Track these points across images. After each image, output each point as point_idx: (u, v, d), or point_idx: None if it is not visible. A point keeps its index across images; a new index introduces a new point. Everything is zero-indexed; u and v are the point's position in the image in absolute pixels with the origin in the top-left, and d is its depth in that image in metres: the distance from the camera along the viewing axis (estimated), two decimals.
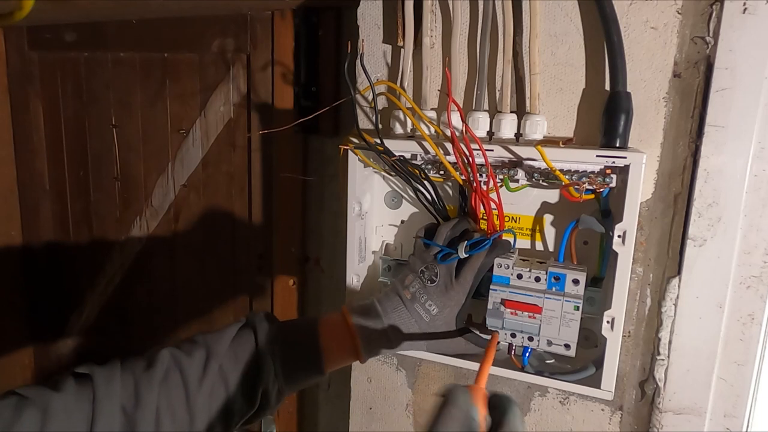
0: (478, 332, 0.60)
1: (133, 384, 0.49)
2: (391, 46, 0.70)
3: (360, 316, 0.58)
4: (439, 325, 0.58)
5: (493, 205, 0.60)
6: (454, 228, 0.60)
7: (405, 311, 0.58)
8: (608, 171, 0.55)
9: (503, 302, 0.58)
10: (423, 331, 0.58)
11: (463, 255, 0.57)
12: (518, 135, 0.62)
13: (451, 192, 0.66)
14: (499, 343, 0.60)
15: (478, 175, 0.59)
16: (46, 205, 1.36)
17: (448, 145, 0.59)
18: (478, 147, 0.58)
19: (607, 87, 0.58)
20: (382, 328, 0.58)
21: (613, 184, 0.55)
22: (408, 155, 0.63)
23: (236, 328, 0.57)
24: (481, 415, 0.39)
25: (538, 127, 0.60)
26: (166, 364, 0.52)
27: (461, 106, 0.66)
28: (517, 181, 0.59)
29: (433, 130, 0.64)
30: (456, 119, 0.62)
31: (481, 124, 0.63)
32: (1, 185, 1.36)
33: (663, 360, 0.62)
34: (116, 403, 0.47)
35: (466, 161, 0.59)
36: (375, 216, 0.72)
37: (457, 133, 0.61)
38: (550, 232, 0.64)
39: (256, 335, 0.56)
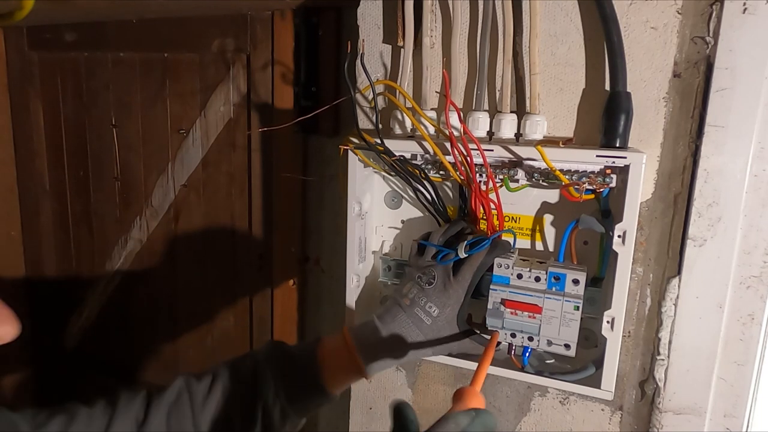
0: (479, 333, 0.60)
1: (146, 404, 0.56)
2: (391, 46, 0.70)
3: (359, 332, 0.58)
4: (442, 325, 0.57)
5: (492, 206, 0.60)
6: (447, 231, 0.60)
7: (404, 317, 0.57)
8: (608, 171, 0.55)
9: (503, 302, 0.58)
10: (425, 335, 0.57)
11: (462, 255, 0.57)
12: (518, 135, 0.62)
13: (451, 192, 0.66)
14: (500, 343, 0.60)
15: (477, 175, 0.59)
16: (46, 205, 1.36)
17: (448, 145, 0.59)
18: (476, 147, 0.58)
19: (607, 87, 0.58)
20: (382, 341, 0.57)
21: (613, 184, 0.55)
22: (408, 155, 0.63)
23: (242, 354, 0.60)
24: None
25: (538, 127, 0.60)
26: (177, 388, 0.58)
27: (461, 106, 0.66)
28: (517, 181, 0.59)
29: (433, 129, 0.64)
30: (455, 120, 0.62)
31: (481, 124, 0.63)
32: (1, 185, 1.36)
33: (663, 360, 0.62)
34: (131, 417, 0.55)
35: (465, 161, 0.59)
36: (375, 216, 0.72)
37: (456, 134, 0.61)
38: (550, 232, 0.64)
39: (256, 354, 0.59)
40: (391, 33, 0.68)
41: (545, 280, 0.57)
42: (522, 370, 0.61)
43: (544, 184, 0.59)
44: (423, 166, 0.63)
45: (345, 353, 0.57)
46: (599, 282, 0.60)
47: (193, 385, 0.58)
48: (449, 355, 0.60)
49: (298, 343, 0.61)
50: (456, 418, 0.40)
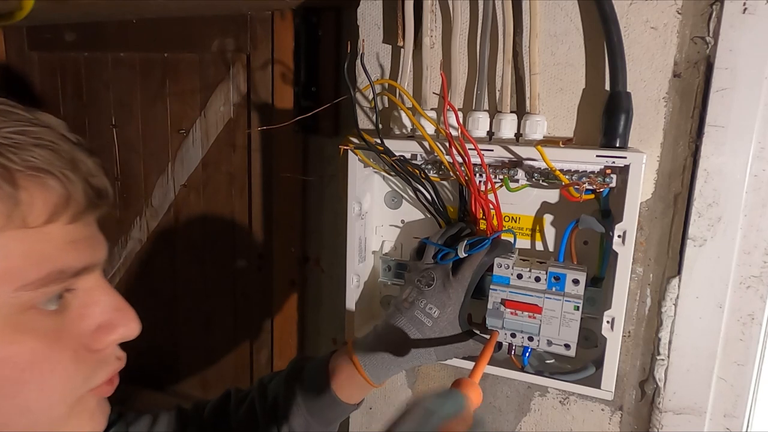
0: (479, 333, 0.60)
1: (202, 412, 0.63)
2: (391, 46, 0.70)
3: (362, 342, 0.59)
4: (443, 327, 0.57)
5: (491, 206, 0.60)
6: (445, 233, 0.60)
7: (404, 321, 0.57)
8: (608, 171, 0.55)
9: (503, 302, 0.58)
10: (426, 338, 0.57)
11: (462, 254, 0.57)
12: (518, 135, 0.62)
13: (451, 192, 0.66)
14: (500, 344, 0.60)
15: (476, 175, 0.59)
16: None
17: (447, 145, 0.59)
18: (473, 147, 0.58)
19: (607, 87, 0.58)
20: (383, 348, 0.57)
21: (613, 184, 0.55)
22: (408, 155, 0.63)
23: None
24: (468, 409, 0.40)
25: (538, 127, 0.60)
26: (224, 397, 0.64)
27: (461, 106, 0.66)
28: (517, 181, 0.59)
29: (433, 129, 0.64)
30: (453, 121, 0.62)
31: (481, 124, 0.63)
32: None
33: (663, 360, 0.62)
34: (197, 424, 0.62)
35: (464, 162, 0.59)
36: (375, 216, 0.72)
37: (455, 134, 0.61)
38: (550, 232, 0.64)
39: (281, 372, 0.62)
40: (391, 33, 0.68)
41: (545, 280, 0.57)
42: (522, 370, 0.61)
43: (544, 184, 0.59)
44: (423, 166, 0.63)
45: (350, 365, 0.58)
46: (599, 282, 0.60)
47: (236, 398, 0.63)
48: (458, 357, 0.60)
49: (315, 358, 0.63)
50: (422, 401, 0.39)
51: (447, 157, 0.59)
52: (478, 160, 0.58)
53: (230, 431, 0.61)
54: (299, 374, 0.60)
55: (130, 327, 0.38)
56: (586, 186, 0.55)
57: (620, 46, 0.56)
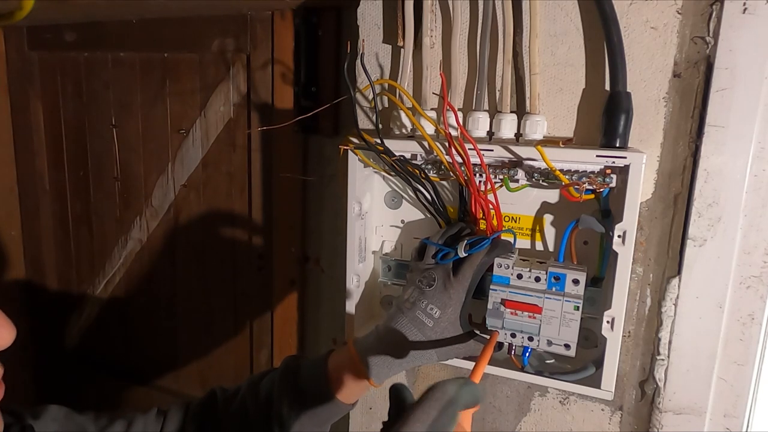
0: (480, 333, 0.60)
1: (184, 413, 0.64)
2: (391, 46, 0.70)
3: (363, 341, 0.59)
4: (444, 327, 0.57)
5: (490, 206, 0.60)
6: (445, 233, 0.60)
7: (406, 321, 0.57)
8: (608, 171, 0.55)
9: (503, 302, 0.58)
10: (428, 338, 0.57)
11: (462, 254, 0.57)
12: (518, 135, 0.63)
13: (451, 192, 0.66)
14: (501, 344, 0.60)
15: (476, 175, 0.59)
16: (46, 205, 1.36)
17: (447, 145, 0.59)
18: (472, 147, 0.58)
19: (607, 87, 0.58)
20: (385, 347, 0.57)
21: (613, 184, 0.55)
22: (408, 155, 0.63)
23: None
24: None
25: (538, 127, 0.60)
26: (210, 399, 0.64)
27: (461, 106, 0.66)
28: (517, 181, 0.59)
29: (433, 129, 0.64)
30: (453, 121, 0.62)
31: (481, 124, 0.63)
32: (1, 185, 1.36)
33: (663, 360, 0.62)
34: (176, 423, 0.63)
35: (464, 162, 0.59)
36: (375, 216, 0.72)
37: (455, 134, 0.61)
38: (550, 232, 0.64)
39: (275, 370, 0.62)
40: (391, 33, 0.68)
41: (545, 280, 0.57)
42: (522, 370, 0.61)
43: (544, 184, 0.59)
44: (423, 166, 0.63)
45: (350, 363, 0.57)
46: (599, 282, 0.60)
47: (223, 397, 0.63)
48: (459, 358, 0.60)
49: (311, 357, 0.63)
50: (444, 387, 0.40)
51: (447, 157, 0.59)
52: (477, 160, 0.58)
53: (219, 430, 0.61)
54: (295, 373, 0.60)
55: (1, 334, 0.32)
56: (586, 186, 0.55)
57: (620, 46, 0.56)
